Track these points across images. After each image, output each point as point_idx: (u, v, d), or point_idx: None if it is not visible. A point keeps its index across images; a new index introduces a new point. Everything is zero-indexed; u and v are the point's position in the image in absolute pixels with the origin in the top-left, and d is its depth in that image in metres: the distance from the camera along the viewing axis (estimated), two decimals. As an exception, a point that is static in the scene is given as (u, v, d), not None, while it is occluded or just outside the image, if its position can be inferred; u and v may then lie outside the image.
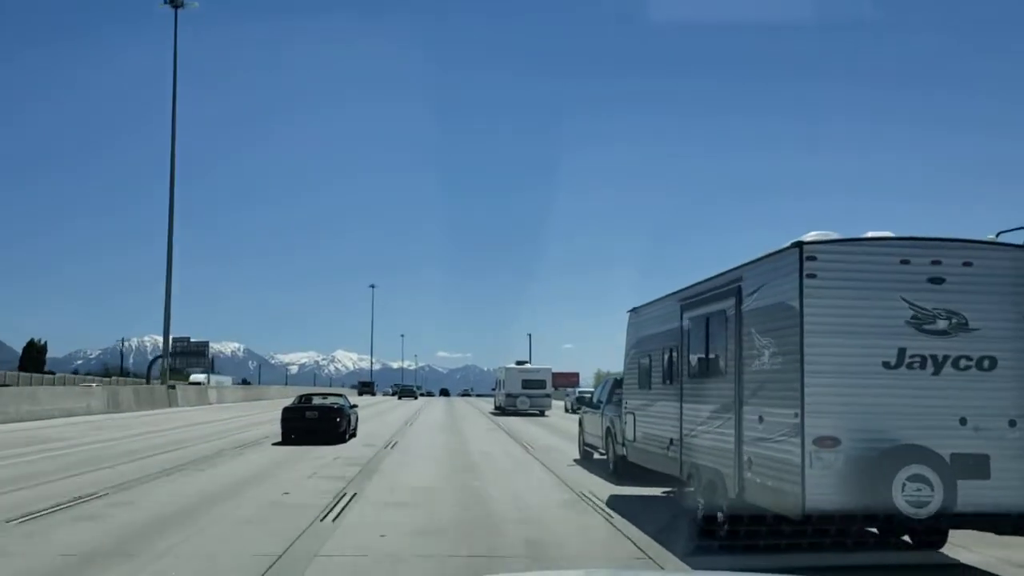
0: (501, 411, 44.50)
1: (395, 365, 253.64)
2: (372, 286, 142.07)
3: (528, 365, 45.95)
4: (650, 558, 8.52)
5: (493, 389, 59.46)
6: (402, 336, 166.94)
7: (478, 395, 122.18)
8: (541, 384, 43.99)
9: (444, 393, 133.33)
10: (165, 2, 41.94)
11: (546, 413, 43.22)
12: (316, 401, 23.95)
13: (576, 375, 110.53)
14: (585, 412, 19.19)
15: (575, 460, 18.80)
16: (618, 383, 16.68)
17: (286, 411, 22.83)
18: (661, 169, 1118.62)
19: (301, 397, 24.74)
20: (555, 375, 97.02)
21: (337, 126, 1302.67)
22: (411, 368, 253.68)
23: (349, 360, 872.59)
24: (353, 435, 23.91)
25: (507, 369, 45.00)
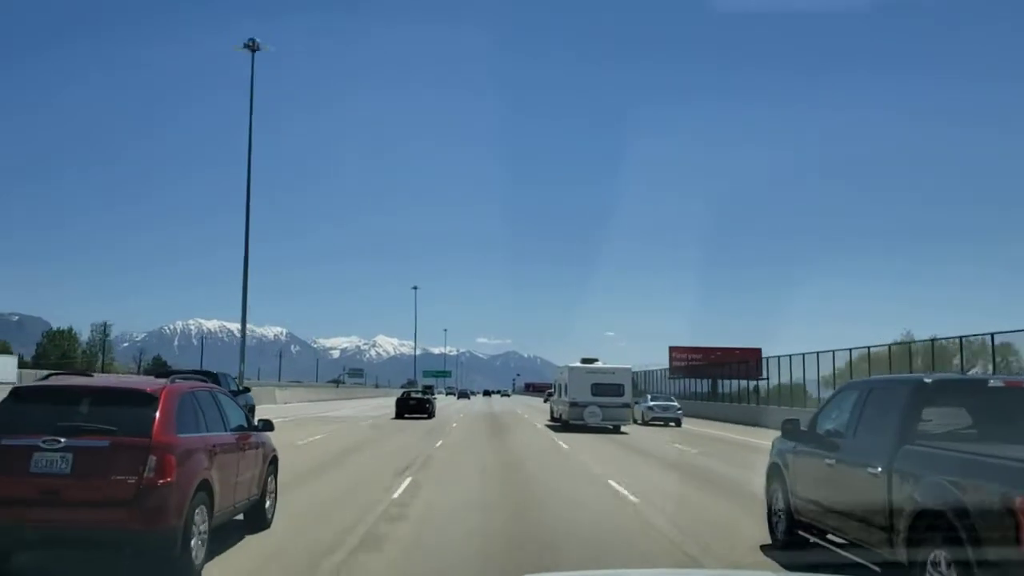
0: (563, 425, 34.24)
1: (436, 351, 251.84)
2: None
3: (599, 364, 34.55)
4: None
5: (550, 394, 47.96)
6: (414, 289, 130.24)
7: (528, 385, 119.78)
8: (618, 390, 33.02)
9: (487, 393, 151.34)
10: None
11: (623, 428, 33.34)
12: (413, 394, 42.78)
13: (757, 352, 55.30)
14: (802, 455, 8.72)
15: (766, 550, 9.03)
16: (941, 389, 7.41)
17: (399, 400, 41.49)
18: (713, 163, 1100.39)
19: (405, 392, 44.73)
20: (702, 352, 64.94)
21: (389, 111, 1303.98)
22: (452, 354, 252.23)
23: (390, 345, 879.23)
24: (434, 415, 40.58)
25: (571, 369, 33.86)
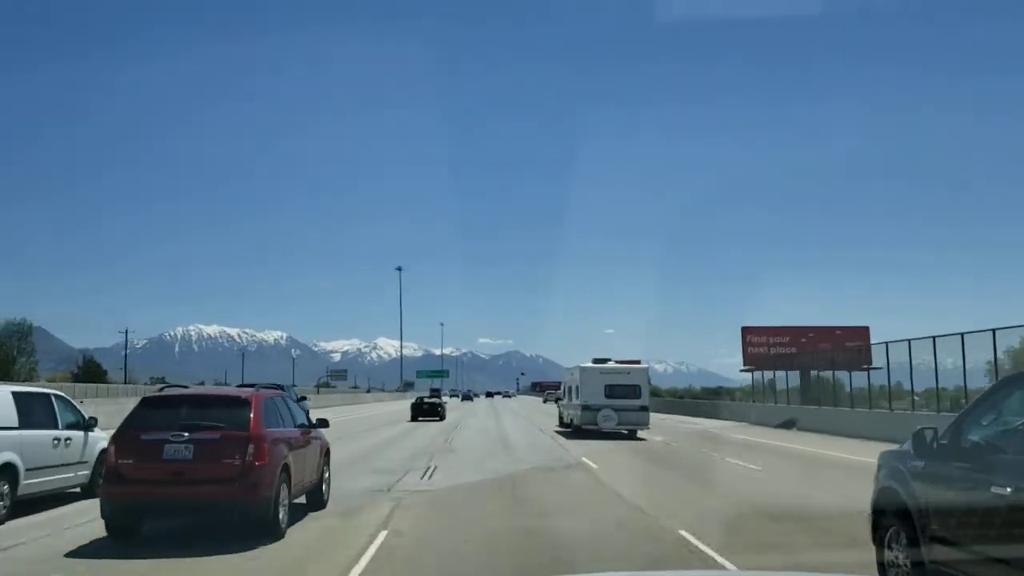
0: (575, 430, 31.29)
1: (437, 352, 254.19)
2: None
3: (612, 364, 32.33)
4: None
5: (558, 399, 45.00)
6: (398, 270, 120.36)
7: (535, 384, 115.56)
8: (633, 391, 30.58)
9: (489, 395, 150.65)
10: None
11: (639, 434, 30.59)
12: (427, 399, 47.42)
13: (864, 332, 49.11)
14: (942, 480, 6.29)
15: None
16: None
17: (413, 404, 45.65)
18: (692, 159, 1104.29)
19: (419, 398, 48.83)
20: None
21: (369, 120, 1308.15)
22: (454, 354, 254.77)
23: (391, 347, 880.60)
24: (444, 418, 44.96)
25: (582, 369, 31.38)
